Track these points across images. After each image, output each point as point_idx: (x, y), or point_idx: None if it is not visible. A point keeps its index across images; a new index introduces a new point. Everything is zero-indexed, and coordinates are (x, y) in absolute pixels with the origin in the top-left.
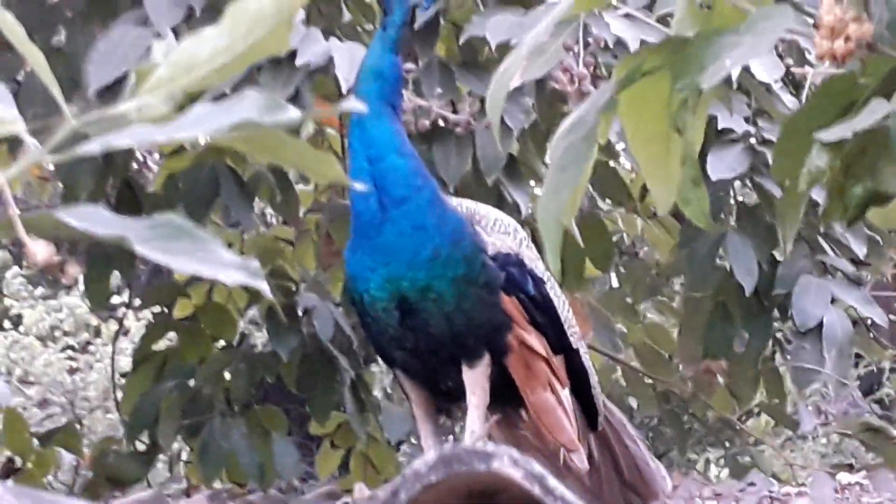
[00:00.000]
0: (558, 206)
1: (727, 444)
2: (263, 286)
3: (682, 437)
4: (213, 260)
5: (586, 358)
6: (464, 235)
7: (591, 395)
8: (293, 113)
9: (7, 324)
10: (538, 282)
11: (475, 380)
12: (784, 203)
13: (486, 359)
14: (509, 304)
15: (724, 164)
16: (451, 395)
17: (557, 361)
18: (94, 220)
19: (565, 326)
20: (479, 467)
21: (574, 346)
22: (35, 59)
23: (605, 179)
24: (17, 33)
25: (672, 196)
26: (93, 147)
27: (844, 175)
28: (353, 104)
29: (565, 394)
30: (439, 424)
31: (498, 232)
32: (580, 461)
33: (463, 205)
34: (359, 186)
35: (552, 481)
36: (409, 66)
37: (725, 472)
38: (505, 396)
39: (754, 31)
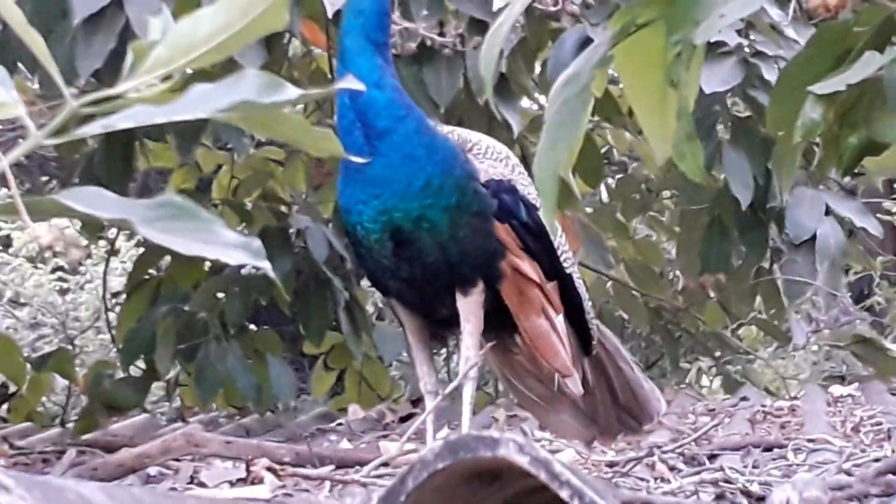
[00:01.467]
0: (555, 162)
1: (718, 354)
2: (266, 265)
3: (673, 350)
4: (215, 241)
5: (580, 283)
6: (455, 163)
7: (584, 321)
8: (291, 92)
9: None
10: (531, 208)
11: (469, 307)
12: (780, 153)
13: (480, 286)
14: (502, 231)
15: (717, 78)
16: (445, 322)
17: (551, 287)
18: (96, 202)
19: (558, 252)
20: (485, 454)
21: (567, 272)
22: (36, 43)
23: None
24: (16, 17)
25: (669, 147)
26: (94, 129)
27: (839, 125)
28: (350, 83)
29: (559, 319)
30: (433, 351)
31: (490, 159)
32: (575, 386)
33: (454, 133)
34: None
35: (558, 466)
36: None
37: (717, 381)
38: (499, 323)
39: None
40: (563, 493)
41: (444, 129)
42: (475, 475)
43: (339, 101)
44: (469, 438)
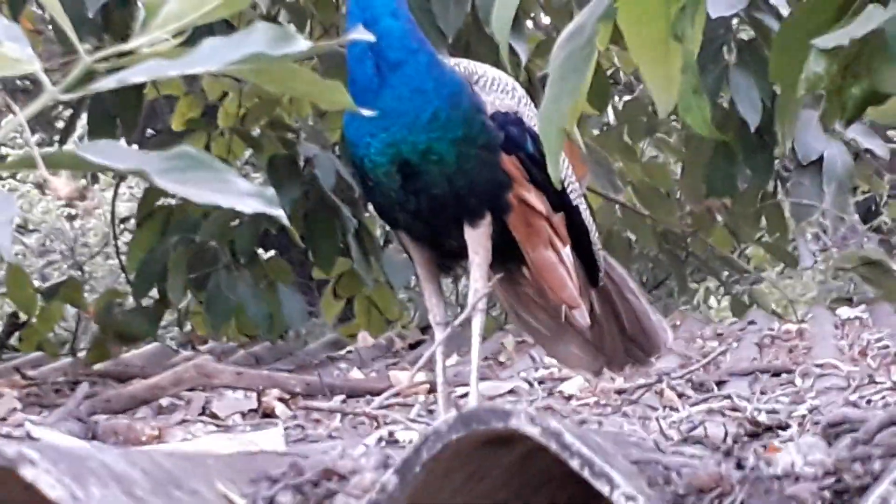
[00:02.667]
0: (560, 115)
1: (726, 274)
2: (280, 213)
3: (680, 271)
4: (230, 190)
5: (587, 214)
6: (462, 96)
7: (591, 252)
8: (301, 44)
9: (4, 172)
10: (537, 140)
11: (477, 239)
12: (783, 104)
13: (488, 218)
14: (509, 163)
15: (723, 2)
16: (453, 254)
17: (558, 219)
18: (112, 154)
19: (565, 183)
20: (497, 426)
21: (574, 204)
22: (49, 1)
23: None
24: None
25: (672, 99)
26: (108, 83)
27: (842, 77)
28: (359, 34)
29: (566, 251)
30: (442, 283)
31: (496, 91)
32: (582, 317)
33: (460, 65)
34: (363, 36)
35: (568, 437)
36: None
37: (726, 302)
38: (507, 255)
39: None
40: (574, 463)
41: (451, 62)
42: (487, 441)
43: (351, 29)
44: (481, 411)
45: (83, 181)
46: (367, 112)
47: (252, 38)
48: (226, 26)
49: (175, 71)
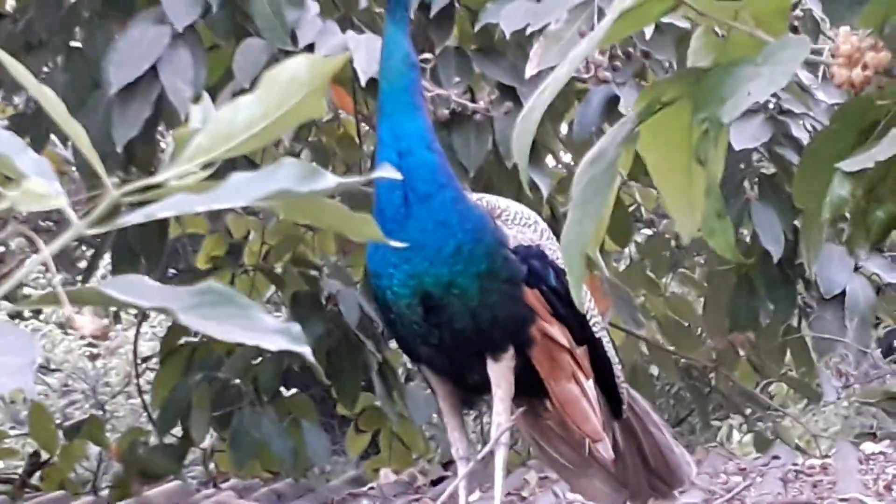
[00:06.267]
0: (582, 240)
1: (749, 411)
2: (306, 350)
3: (703, 407)
4: (256, 327)
5: (609, 347)
6: (485, 230)
7: (614, 385)
8: (329, 180)
9: (26, 312)
10: (560, 273)
11: (500, 373)
12: (806, 228)
13: (511, 352)
14: (532, 296)
15: (746, 135)
16: (476, 388)
17: (581, 352)
18: (137, 291)
19: (588, 317)
20: None
21: (597, 336)
22: (77, 134)
23: None
24: (57, 108)
25: (696, 224)
26: (135, 217)
27: (867, 200)
28: (387, 172)
29: (589, 384)
30: (465, 417)
31: (518, 225)
32: (605, 451)
33: (483, 199)
34: (390, 173)
35: None
36: (427, 55)
37: (748, 437)
38: (530, 388)
39: (772, 61)
40: None
41: (474, 196)
42: None
43: (382, 157)
44: None
45: (106, 320)
46: (395, 244)
47: (279, 173)
48: (246, 161)
49: (202, 206)
